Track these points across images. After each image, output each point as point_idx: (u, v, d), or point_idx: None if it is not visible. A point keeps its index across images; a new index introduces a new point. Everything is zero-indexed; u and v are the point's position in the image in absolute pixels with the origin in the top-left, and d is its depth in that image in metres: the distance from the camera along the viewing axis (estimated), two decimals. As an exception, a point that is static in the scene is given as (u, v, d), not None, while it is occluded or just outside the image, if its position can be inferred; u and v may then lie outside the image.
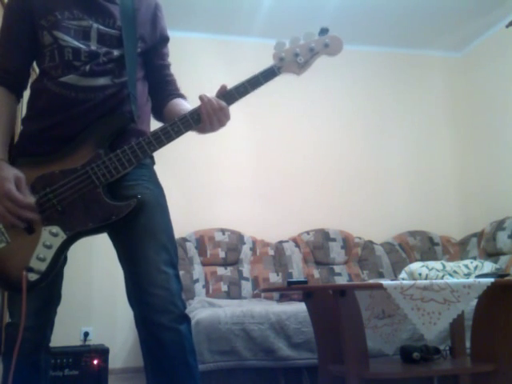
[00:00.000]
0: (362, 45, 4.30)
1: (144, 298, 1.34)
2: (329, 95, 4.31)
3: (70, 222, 1.34)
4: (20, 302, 1.30)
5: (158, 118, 1.61)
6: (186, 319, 1.37)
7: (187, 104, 1.55)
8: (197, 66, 3.88)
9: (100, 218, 1.34)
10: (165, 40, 1.60)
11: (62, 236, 1.33)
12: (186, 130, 1.40)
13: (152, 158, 1.54)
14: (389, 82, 4.48)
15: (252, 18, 3.99)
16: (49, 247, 1.32)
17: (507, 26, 3.85)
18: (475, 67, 4.43)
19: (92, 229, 1.35)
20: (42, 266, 1.31)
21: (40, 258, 1.31)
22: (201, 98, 1.39)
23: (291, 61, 1.46)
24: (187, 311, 1.41)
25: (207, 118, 1.38)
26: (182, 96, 1.60)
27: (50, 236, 1.33)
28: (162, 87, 1.59)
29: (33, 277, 1.30)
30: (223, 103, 1.39)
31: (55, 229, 1.33)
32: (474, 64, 4.45)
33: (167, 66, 1.62)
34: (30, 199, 1.33)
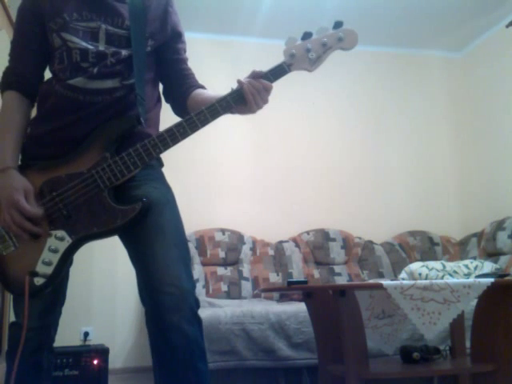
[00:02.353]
0: (361, 45, 4.17)
1: (155, 296, 1.31)
2: (328, 95, 4.31)
3: (76, 226, 1.33)
4: (24, 303, 1.29)
5: (184, 114, 1.54)
6: (197, 320, 1.34)
7: (210, 92, 1.51)
8: (197, 66, 3.84)
9: (105, 223, 1.33)
10: (177, 35, 1.56)
11: (68, 240, 1.32)
12: (192, 132, 1.37)
13: (159, 159, 1.53)
14: (389, 82, 4.48)
15: (253, 19, 3.99)
16: (55, 251, 1.32)
17: (507, 26, 3.85)
18: (475, 67, 4.43)
19: (98, 233, 1.33)
20: (48, 270, 1.31)
21: (46, 262, 1.31)
22: (239, 82, 1.38)
23: (302, 57, 1.40)
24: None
25: (252, 99, 1.36)
26: (202, 87, 1.57)
27: (56, 240, 1.32)
28: (181, 82, 1.56)
29: (39, 281, 1.30)
30: (265, 82, 1.38)
31: (61, 233, 1.33)
32: (474, 64, 4.45)
33: (183, 60, 1.59)
34: (38, 211, 1.32)
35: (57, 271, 1.31)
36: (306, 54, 1.40)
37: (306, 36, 1.41)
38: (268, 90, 1.38)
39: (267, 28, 4.06)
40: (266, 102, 1.39)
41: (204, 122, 1.37)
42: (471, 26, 4.21)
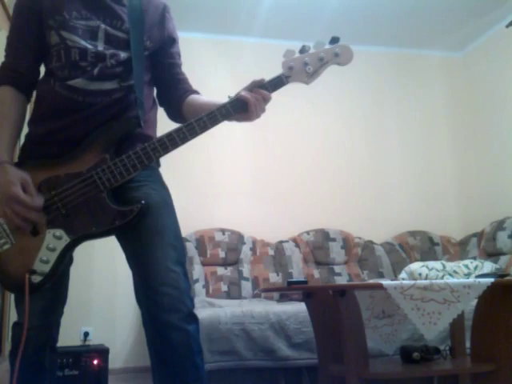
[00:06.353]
0: (361, 45, 4.28)
1: (153, 296, 1.33)
2: (328, 95, 4.30)
3: (74, 225, 1.34)
4: (25, 302, 1.30)
5: (178, 118, 1.58)
6: (194, 319, 1.37)
7: (206, 98, 1.53)
8: (197, 66, 3.88)
9: (103, 223, 1.34)
10: (173, 40, 1.58)
11: (66, 239, 1.33)
12: (192, 138, 1.39)
13: (157, 161, 1.53)
14: (389, 82, 4.48)
15: (252, 18, 3.99)
16: (52, 250, 1.32)
17: (507, 26, 3.85)
18: (475, 67, 4.43)
19: (96, 233, 1.35)
20: (46, 268, 1.31)
21: (43, 261, 1.31)
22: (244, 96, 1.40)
23: (300, 70, 1.44)
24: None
25: (254, 110, 1.40)
26: (196, 92, 1.59)
27: (54, 239, 1.33)
28: (175, 86, 1.58)
29: (36, 279, 1.30)
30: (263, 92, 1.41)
31: (59, 232, 1.33)
32: (475, 64, 4.45)
33: (178, 65, 1.60)
34: (38, 201, 1.33)
35: (54, 269, 1.32)
36: (304, 68, 1.45)
37: (304, 49, 1.46)
38: (266, 101, 1.42)
39: (267, 28, 4.06)
40: (263, 111, 1.44)
41: (203, 128, 1.39)
42: (471, 26, 4.21)
